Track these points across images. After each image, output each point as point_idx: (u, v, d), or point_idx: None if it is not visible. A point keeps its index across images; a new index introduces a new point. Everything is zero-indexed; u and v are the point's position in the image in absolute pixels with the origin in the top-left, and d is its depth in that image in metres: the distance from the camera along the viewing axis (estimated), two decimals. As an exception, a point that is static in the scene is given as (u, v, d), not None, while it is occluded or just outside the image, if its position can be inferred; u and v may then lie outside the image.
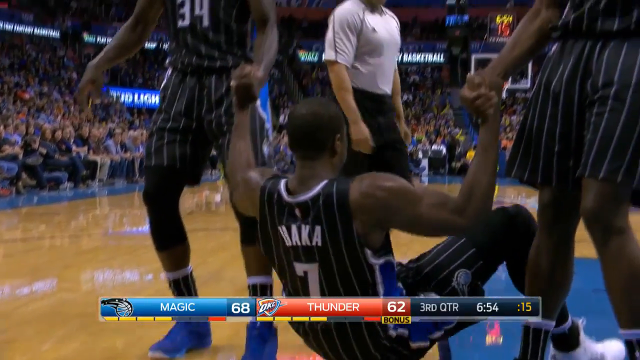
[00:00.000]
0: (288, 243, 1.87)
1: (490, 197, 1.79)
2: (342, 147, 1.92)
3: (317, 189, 1.84)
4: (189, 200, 10.04)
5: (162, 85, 2.67)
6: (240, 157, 2.10)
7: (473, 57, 18.94)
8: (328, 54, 3.17)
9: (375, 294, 1.82)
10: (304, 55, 32.96)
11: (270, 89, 28.03)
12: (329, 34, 3.18)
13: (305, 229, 1.84)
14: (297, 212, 1.84)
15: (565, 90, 1.89)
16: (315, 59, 31.90)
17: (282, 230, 1.87)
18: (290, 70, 29.92)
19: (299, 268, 1.88)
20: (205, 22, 2.54)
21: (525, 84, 21.14)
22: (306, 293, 1.88)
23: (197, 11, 2.53)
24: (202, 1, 2.53)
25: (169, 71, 2.66)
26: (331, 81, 3.18)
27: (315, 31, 29.69)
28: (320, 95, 27.75)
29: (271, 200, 1.88)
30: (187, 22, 2.54)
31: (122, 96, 26.74)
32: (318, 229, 1.82)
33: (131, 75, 28.54)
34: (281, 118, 25.49)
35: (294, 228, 1.85)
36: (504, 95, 21.23)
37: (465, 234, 1.99)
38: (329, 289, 1.86)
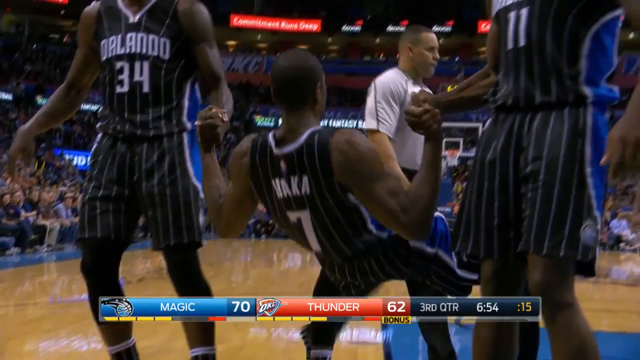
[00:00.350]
0: (280, 195, 2.03)
1: (431, 209, 1.90)
2: (322, 95, 2.07)
3: (302, 140, 1.98)
4: (140, 265, 9.81)
5: (92, 150, 2.61)
6: (216, 191, 2.17)
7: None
8: (369, 123, 3.06)
9: (366, 231, 2.02)
10: (260, 121, 33.24)
11: (227, 152, 28.11)
12: (370, 103, 3.09)
13: (294, 180, 1.99)
14: (282, 165, 2.00)
15: (500, 165, 1.94)
16: (272, 124, 32.19)
17: (275, 183, 2.03)
18: (247, 134, 30.02)
19: (292, 216, 2.05)
20: (146, 88, 2.49)
21: (476, 151, 21.71)
22: (303, 237, 2.07)
23: (136, 77, 2.49)
24: (142, 67, 2.49)
25: (99, 136, 2.61)
26: None
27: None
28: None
29: (264, 153, 2.04)
30: (126, 88, 2.50)
31: (75, 159, 26.37)
32: (305, 178, 1.98)
33: (85, 137, 28.25)
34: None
35: (283, 181, 2.01)
36: (456, 162, 21.71)
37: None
38: (322, 232, 2.03)
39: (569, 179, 1.78)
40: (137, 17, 2.53)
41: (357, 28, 37.15)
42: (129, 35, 2.51)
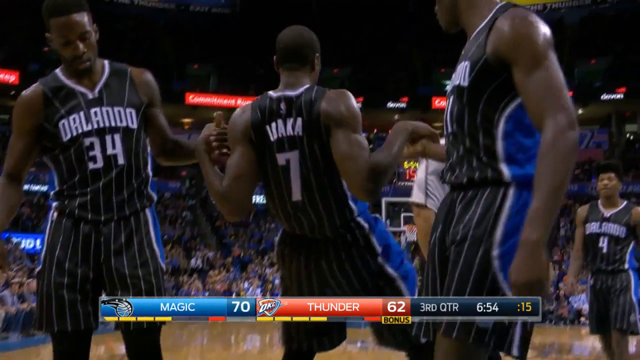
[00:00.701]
0: (272, 138, 2.34)
1: (385, 173, 2.22)
2: (317, 66, 2.47)
3: (301, 89, 2.36)
4: (93, 349, 9.41)
5: (49, 230, 2.54)
6: (218, 178, 2.38)
7: (383, 200, 19.57)
8: (417, 196, 3.07)
9: (346, 205, 2.36)
10: (216, 199, 33.04)
11: (182, 231, 27.75)
12: (420, 175, 3.09)
13: (289, 121, 2.33)
14: (282, 105, 2.34)
15: (438, 245, 2.00)
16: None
17: (268, 128, 2.34)
18: (203, 212, 29.85)
19: (282, 158, 2.33)
20: (121, 160, 2.50)
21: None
22: (288, 183, 2.34)
23: (109, 150, 2.49)
24: (114, 139, 2.49)
25: (54, 215, 2.54)
26: (416, 225, 3.05)
27: (228, 175, 30.00)
28: (234, 237, 27.66)
29: (264, 100, 2.37)
30: (100, 163, 2.48)
31: (23, 242, 25.65)
32: (299, 120, 2.31)
33: (33, 219, 27.60)
34: (192, 261, 24.99)
35: (279, 122, 2.34)
36: (414, 237, 21.82)
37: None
38: (306, 177, 2.32)
39: (472, 261, 1.80)
40: (96, 92, 2.54)
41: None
42: (92, 110, 2.51)
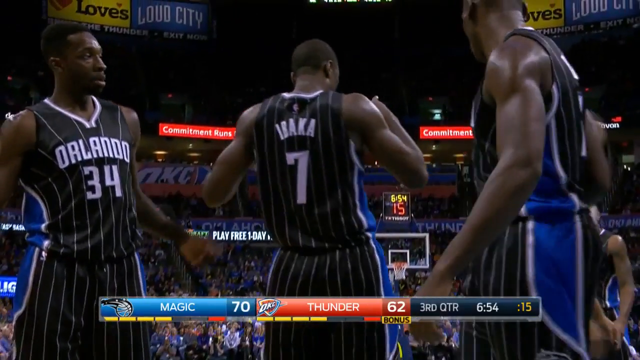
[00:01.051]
0: (283, 137, 2.45)
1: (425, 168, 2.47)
2: (332, 72, 2.62)
3: (316, 93, 2.50)
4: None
5: (34, 273, 2.47)
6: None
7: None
8: None
9: (353, 214, 2.40)
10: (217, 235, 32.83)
11: (155, 271, 27.48)
12: None
13: (302, 121, 2.44)
14: (295, 106, 2.47)
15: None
16: (205, 237, 31.88)
17: (278, 127, 2.46)
18: (178, 251, 29.56)
19: (290, 157, 2.43)
20: (118, 192, 2.54)
21: (424, 264, 21.96)
22: (294, 184, 2.42)
23: (108, 181, 2.53)
24: (112, 171, 2.54)
25: (43, 256, 2.48)
26: None
27: (205, 209, 29.98)
28: (210, 277, 27.43)
29: (275, 101, 2.52)
30: (98, 194, 2.50)
31: (-19, 284, 25.22)
32: (313, 121, 2.43)
33: (-5, 260, 27.22)
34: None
35: (291, 121, 2.46)
36: (403, 275, 21.79)
37: None
38: (315, 178, 2.40)
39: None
40: (93, 122, 2.61)
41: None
42: (92, 139, 2.56)
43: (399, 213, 23.94)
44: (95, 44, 2.61)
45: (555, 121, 1.86)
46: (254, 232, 29.93)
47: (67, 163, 2.51)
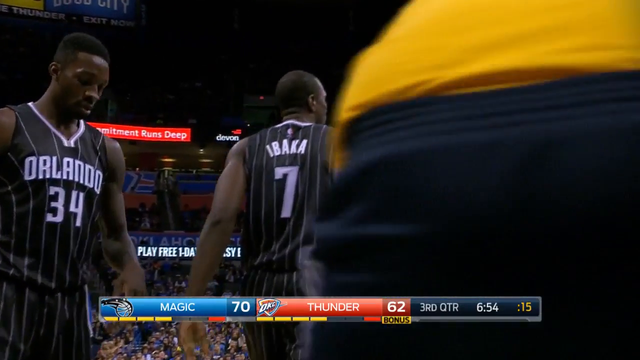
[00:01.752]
0: (273, 154, 2.85)
1: None
2: (317, 106, 3.02)
3: (308, 123, 2.94)
4: None
5: None
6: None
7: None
8: None
9: None
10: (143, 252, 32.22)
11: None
12: None
13: (294, 142, 2.86)
14: (289, 130, 2.90)
15: None
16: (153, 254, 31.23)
17: (269, 147, 2.87)
18: (97, 269, 29.00)
19: (280, 171, 2.82)
20: (78, 222, 2.62)
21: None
22: (280, 198, 2.77)
23: (72, 207, 2.61)
24: (78, 198, 2.64)
25: None
26: None
27: (130, 221, 29.33)
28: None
29: (264, 132, 2.96)
30: (59, 217, 2.58)
31: None
32: (305, 142, 2.86)
33: None
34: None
35: (284, 142, 2.87)
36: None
37: None
38: (302, 192, 2.75)
39: None
40: (72, 142, 2.71)
41: (234, 137, 37.57)
42: (66, 159, 2.65)
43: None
44: (101, 74, 2.70)
45: None
46: (185, 248, 29.38)
47: (33, 176, 2.58)
